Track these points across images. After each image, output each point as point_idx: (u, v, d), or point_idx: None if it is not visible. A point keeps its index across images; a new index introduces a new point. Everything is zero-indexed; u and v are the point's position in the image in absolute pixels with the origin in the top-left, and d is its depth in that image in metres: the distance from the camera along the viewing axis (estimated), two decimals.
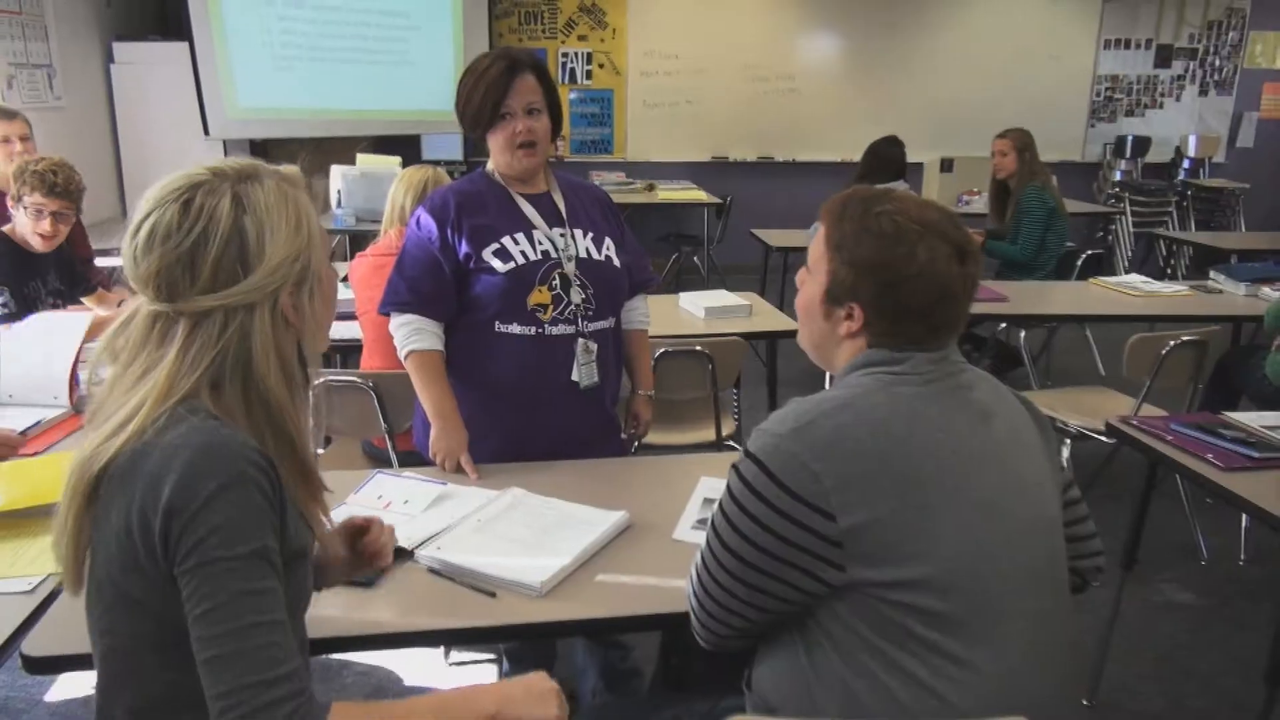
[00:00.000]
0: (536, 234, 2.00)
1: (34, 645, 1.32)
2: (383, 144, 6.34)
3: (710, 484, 1.89)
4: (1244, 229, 8.10)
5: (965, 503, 1.17)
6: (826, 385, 4.51)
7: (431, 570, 1.55)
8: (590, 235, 2.07)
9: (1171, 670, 2.62)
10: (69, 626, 1.33)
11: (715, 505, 1.25)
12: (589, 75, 7.76)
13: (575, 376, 2.00)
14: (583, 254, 2.03)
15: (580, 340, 2.00)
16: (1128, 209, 7.98)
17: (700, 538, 1.65)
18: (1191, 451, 2.11)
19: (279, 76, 6.00)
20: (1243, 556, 3.26)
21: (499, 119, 1.94)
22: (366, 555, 1.41)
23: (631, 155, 7.84)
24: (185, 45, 5.56)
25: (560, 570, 1.52)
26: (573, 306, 2.00)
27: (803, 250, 4.89)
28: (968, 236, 1.26)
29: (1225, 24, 8.41)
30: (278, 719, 0.94)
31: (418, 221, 2.00)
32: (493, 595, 1.48)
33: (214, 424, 1.03)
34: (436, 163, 7.33)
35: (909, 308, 1.23)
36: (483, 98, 1.92)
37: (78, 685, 2.40)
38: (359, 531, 1.41)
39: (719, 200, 6.85)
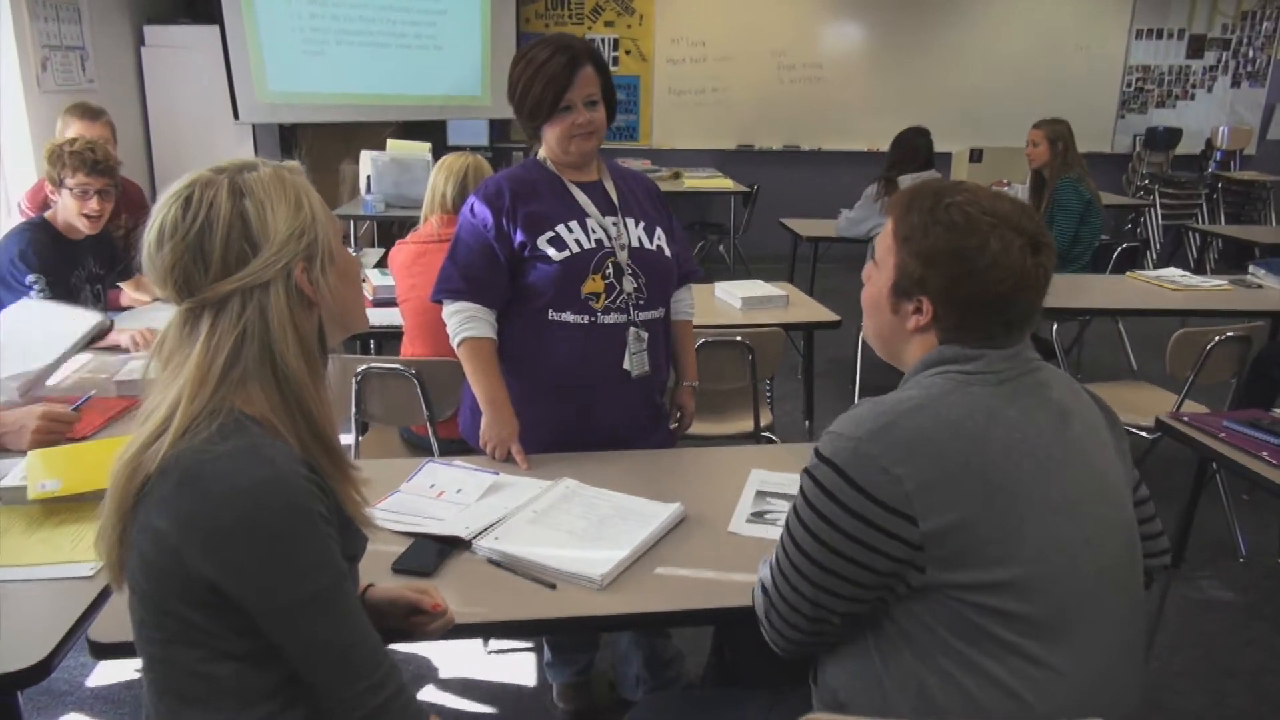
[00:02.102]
0: (590, 222, 1.99)
1: (100, 631, 1.32)
2: (409, 129, 6.34)
3: (761, 476, 1.88)
4: (1275, 223, 8.01)
5: (1047, 504, 1.15)
6: (856, 376, 4.45)
7: (491, 561, 1.54)
8: (642, 224, 2.06)
9: (1212, 668, 2.60)
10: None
11: (789, 510, 1.23)
12: (615, 62, 7.72)
13: (627, 365, 2.00)
14: (635, 243, 2.02)
15: (632, 329, 1.99)
16: (1157, 201, 7.90)
17: (756, 531, 1.67)
18: (1246, 449, 2.09)
19: (308, 61, 6.00)
20: None
21: (559, 111, 1.92)
22: (411, 625, 1.37)
23: (657, 143, 7.81)
24: (216, 29, 5.56)
25: (619, 563, 1.51)
26: (625, 295, 1.99)
27: (833, 240, 4.85)
28: (1042, 228, 1.24)
29: (1260, 14, 8.29)
30: (393, 712, 1.08)
31: (471, 209, 1.99)
32: (553, 587, 1.47)
33: (263, 444, 1.04)
34: (462, 148, 7.38)
35: (980, 300, 1.21)
36: (543, 89, 1.90)
37: (120, 670, 2.43)
38: (412, 609, 1.36)
39: (746, 189, 6.82)
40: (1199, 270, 5.54)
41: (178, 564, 1.01)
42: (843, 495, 1.14)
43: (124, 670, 2.41)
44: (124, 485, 1.06)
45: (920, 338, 1.27)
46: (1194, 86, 8.40)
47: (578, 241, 1.96)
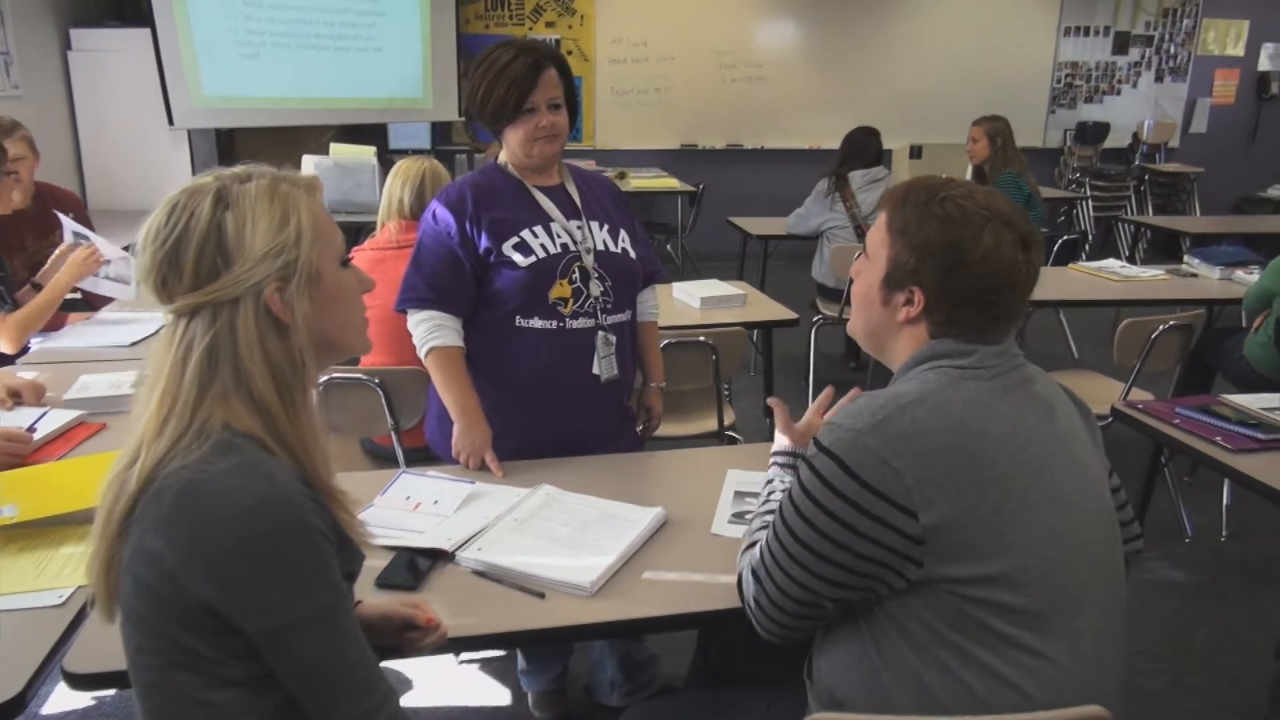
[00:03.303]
0: (555, 226, 1.97)
1: (76, 661, 1.28)
2: (349, 133, 6.23)
3: (738, 476, 1.89)
4: (1199, 213, 8.30)
5: (1040, 497, 1.17)
6: (810, 372, 4.49)
7: (476, 572, 1.52)
8: (606, 227, 2.05)
9: (1170, 648, 2.68)
10: (112, 641, 1.28)
11: (784, 499, 1.24)
12: None
13: (596, 370, 1.99)
14: (600, 246, 2.02)
15: (600, 333, 1.99)
16: (1088, 194, 8.13)
17: (739, 532, 1.68)
18: (1200, 435, 2.16)
19: (245, 64, 5.85)
20: (1224, 533, 3.34)
21: (522, 114, 1.90)
22: (404, 641, 1.35)
23: (601, 143, 7.80)
24: (147, 32, 5.38)
25: (607, 569, 1.51)
26: (592, 299, 1.98)
27: (783, 238, 4.88)
28: (1033, 227, 1.27)
29: (1180, 11, 8.59)
30: None
31: (434, 215, 1.96)
32: (542, 596, 1.46)
33: (261, 460, 1.02)
34: (404, 151, 7.29)
35: (971, 292, 1.23)
36: (506, 92, 1.88)
37: (76, 699, 2.34)
38: (406, 624, 1.35)
39: (692, 188, 6.84)
40: (1130, 260, 5.72)
41: (175, 587, 0.97)
42: (842, 485, 1.15)
43: (79, 699, 2.33)
44: (110, 507, 1.03)
45: (910, 330, 1.29)
46: (1120, 82, 8.67)
47: (543, 247, 1.94)
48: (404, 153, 7.15)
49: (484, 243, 1.93)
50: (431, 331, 1.93)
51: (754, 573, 1.30)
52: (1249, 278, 3.88)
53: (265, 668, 1.02)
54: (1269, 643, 2.67)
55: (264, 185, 1.07)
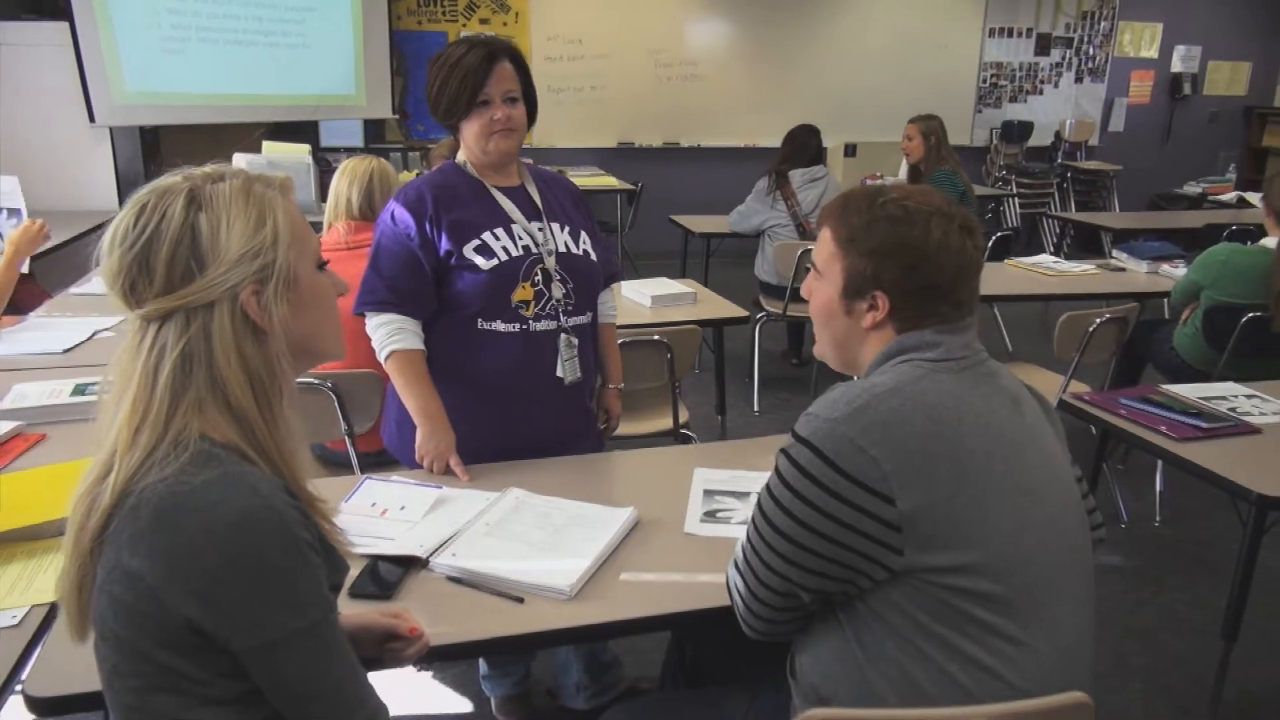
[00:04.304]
0: (516, 228, 1.95)
1: (37, 684, 1.22)
2: (279, 131, 6.08)
3: (706, 475, 1.89)
4: (1118, 209, 8.60)
5: (1013, 487, 1.20)
6: (755, 369, 4.52)
7: (451, 579, 1.50)
8: (567, 229, 2.03)
9: (1113, 630, 2.77)
10: (72, 661, 1.23)
11: (762, 492, 1.24)
12: None
13: (560, 373, 1.97)
14: (561, 248, 2.00)
15: (563, 335, 1.97)
16: (1014, 190, 8.35)
17: (712, 531, 1.68)
18: (1145, 424, 2.23)
19: (169, 59, 5.66)
20: (1158, 518, 3.47)
21: (476, 107, 1.87)
22: (386, 652, 1.32)
23: (537, 142, 7.74)
24: (65, 25, 5.17)
25: (585, 572, 1.49)
26: (554, 302, 1.96)
27: (725, 236, 4.91)
28: (968, 214, 1.31)
29: (1098, 14, 8.88)
30: None
31: (392, 216, 1.92)
32: (520, 601, 1.44)
33: (245, 472, 0.98)
34: (336, 150, 7.14)
35: (933, 285, 1.26)
36: (459, 85, 1.85)
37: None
38: (388, 635, 1.32)
39: (631, 186, 6.84)
40: (1056, 255, 5.89)
41: (156, 606, 0.93)
42: (820, 474, 1.16)
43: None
44: (81, 523, 0.98)
45: (877, 334, 1.31)
46: (1042, 82, 8.93)
47: (505, 249, 1.92)
48: (336, 151, 7.03)
49: (444, 245, 1.90)
50: (392, 335, 1.89)
51: (736, 567, 1.30)
52: (1174, 272, 4.03)
53: (251, 685, 0.98)
54: (1207, 623, 2.78)
55: (238, 185, 1.03)
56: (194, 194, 1.00)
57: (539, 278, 1.95)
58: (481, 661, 2.29)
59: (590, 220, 2.14)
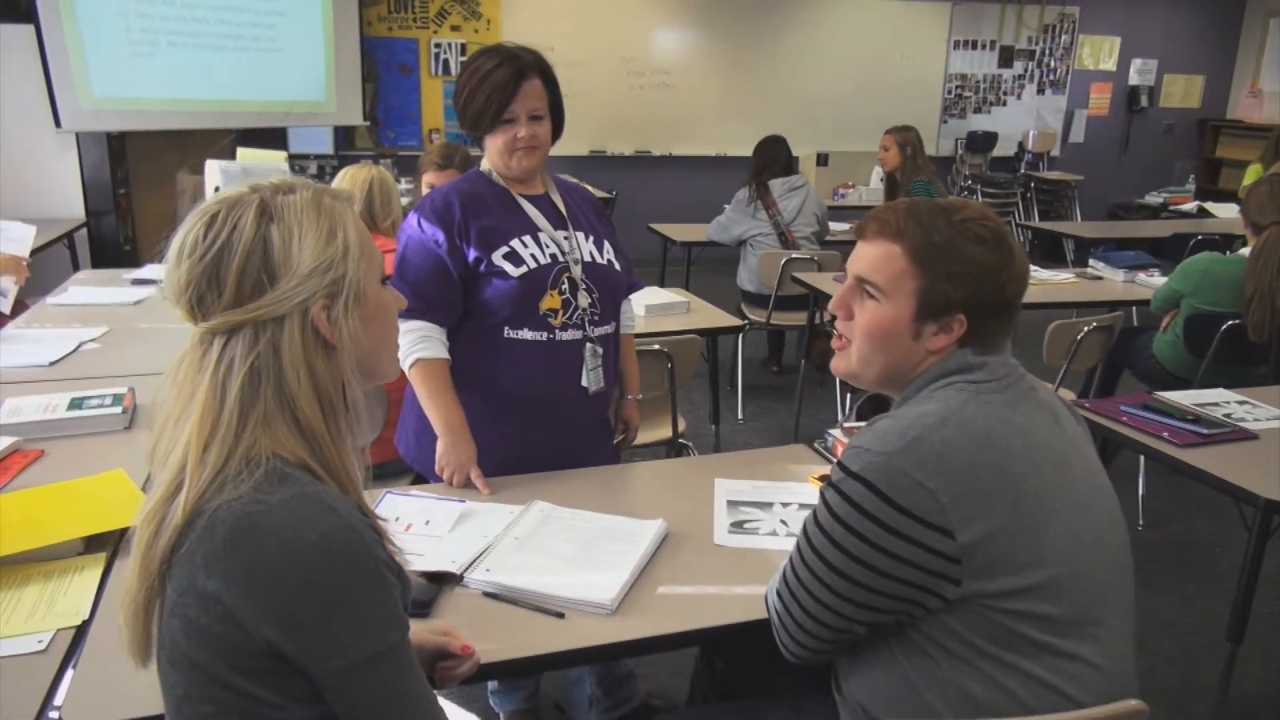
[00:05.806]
0: (543, 236, 1.94)
1: (76, 712, 1.17)
2: (249, 137, 5.98)
3: (727, 486, 1.88)
4: (1079, 218, 8.78)
5: (1064, 505, 1.19)
6: (738, 377, 4.51)
7: (487, 594, 1.47)
8: (591, 239, 2.02)
9: None
10: (110, 687, 1.19)
11: (809, 523, 1.23)
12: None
13: (585, 382, 1.95)
14: (587, 258, 1.99)
15: (588, 345, 1.95)
16: (980, 200, 8.48)
17: (741, 542, 1.67)
18: (1149, 431, 2.27)
19: (138, 64, 5.54)
20: (1140, 523, 3.53)
21: (501, 124, 1.86)
22: (438, 672, 1.30)
23: None
24: (30, 28, 5.05)
25: (624, 586, 1.48)
26: (580, 311, 1.95)
27: (705, 245, 4.89)
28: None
29: (1058, 28, 9.07)
30: None
31: (419, 223, 1.90)
32: (561, 616, 1.42)
33: (321, 491, 0.96)
34: (306, 156, 7.04)
35: (1012, 307, 1.27)
36: (486, 100, 1.84)
37: None
38: (439, 654, 1.30)
39: (606, 194, 6.83)
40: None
41: (234, 629, 0.91)
42: (875, 509, 1.14)
43: None
44: (150, 543, 0.95)
45: (935, 357, 1.28)
46: (1006, 93, 9.09)
47: (534, 257, 1.90)
48: (306, 158, 6.94)
49: (473, 252, 1.88)
50: (417, 343, 1.87)
51: (779, 595, 1.29)
52: (1151, 280, 4.11)
53: (325, 709, 0.96)
54: (1198, 625, 2.83)
55: (308, 198, 1.01)
56: (265, 205, 0.98)
57: (566, 286, 1.94)
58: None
59: (612, 231, 2.13)
